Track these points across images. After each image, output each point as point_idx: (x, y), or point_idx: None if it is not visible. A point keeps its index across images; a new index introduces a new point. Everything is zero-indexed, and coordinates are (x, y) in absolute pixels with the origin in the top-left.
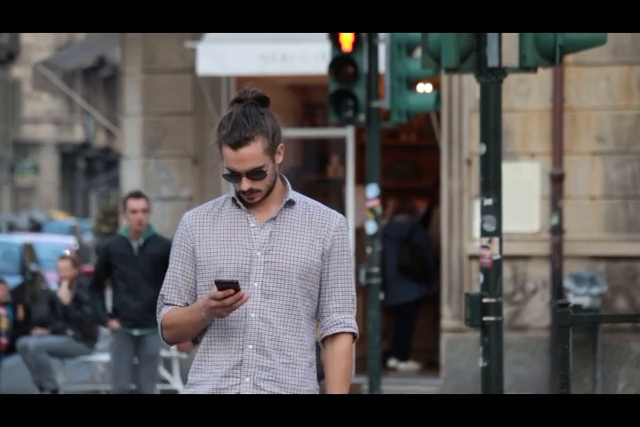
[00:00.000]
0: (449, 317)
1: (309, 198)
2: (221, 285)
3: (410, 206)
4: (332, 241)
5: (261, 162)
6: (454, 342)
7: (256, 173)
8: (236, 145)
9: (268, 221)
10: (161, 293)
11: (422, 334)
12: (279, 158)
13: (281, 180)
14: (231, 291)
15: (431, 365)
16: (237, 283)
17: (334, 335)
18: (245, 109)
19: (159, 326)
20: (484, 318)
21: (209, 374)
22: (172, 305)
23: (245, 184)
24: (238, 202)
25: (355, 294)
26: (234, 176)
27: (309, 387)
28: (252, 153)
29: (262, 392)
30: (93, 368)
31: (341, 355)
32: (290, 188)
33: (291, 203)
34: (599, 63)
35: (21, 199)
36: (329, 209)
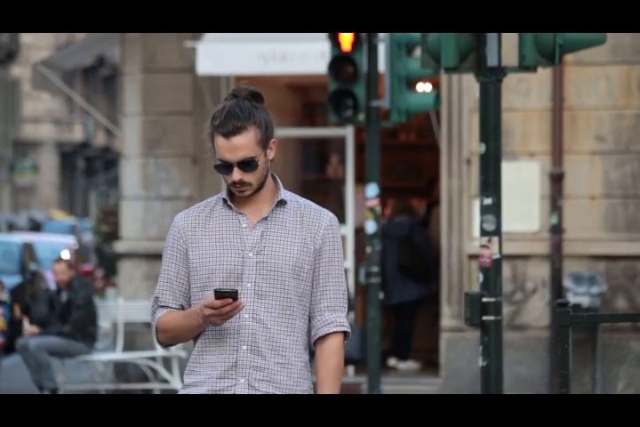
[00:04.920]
0: (449, 316)
1: (300, 197)
2: (220, 294)
3: (409, 206)
4: (322, 239)
5: (253, 152)
6: (454, 341)
7: (247, 164)
8: (229, 134)
9: (259, 221)
10: (155, 295)
11: (422, 334)
12: (271, 154)
13: (272, 179)
14: (229, 300)
15: (431, 364)
16: (237, 292)
17: (326, 334)
18: (239, 102)
19: (154, 329)
20: (484, 318)
21: (204, 375)
22: (167, 307)
23: (236, 175)
24: (229, 203)
25: (346, 292)
26: (225, 167)
27: (304, 387)
28: (245, 142)
29: (257, 393)
30: (93, 368)
31: (332, 353)
32: (281, 187)
33: (282, 202)
34: (599, 63)
35: (21, 199)
36: (319, 207)
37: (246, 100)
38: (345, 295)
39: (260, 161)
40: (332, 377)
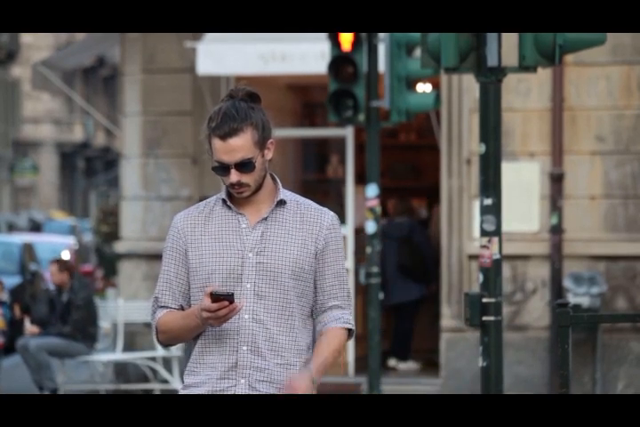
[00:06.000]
0: (448, 316)
1: (300, 197)
2: (216, 297)
3: (409, 206)
4: (325, 240)
5: (250, 154)
6: (454, 341)
7: (245, 165)
8: (226, 136)
9: (259, 221)
10: (155, 295)
11: (422, 334)
12: (269, 154)
13: (272, 179)
14: (225, 303)
15: (431, 364)
16: (233, 295)
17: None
18: (235, 103)
19: (153, 329)
20: (484, 318)
21: (204, 376)
22: (167, 308)
23: (234, 176)
24: (229, 203)
25: (350, 290)
26: (223, 169)
27: None
28: (242, 144)
29: (257, 393)
30: (93, 368)
31: (336, 336)
32: (280, 187)
33: (282, 203)
34: (599, 63)
35: (21, 199)
36: (320, 207)
37: (243, 101)
38: (350, 294)
39: (258, 162)
40: (327, 354)
